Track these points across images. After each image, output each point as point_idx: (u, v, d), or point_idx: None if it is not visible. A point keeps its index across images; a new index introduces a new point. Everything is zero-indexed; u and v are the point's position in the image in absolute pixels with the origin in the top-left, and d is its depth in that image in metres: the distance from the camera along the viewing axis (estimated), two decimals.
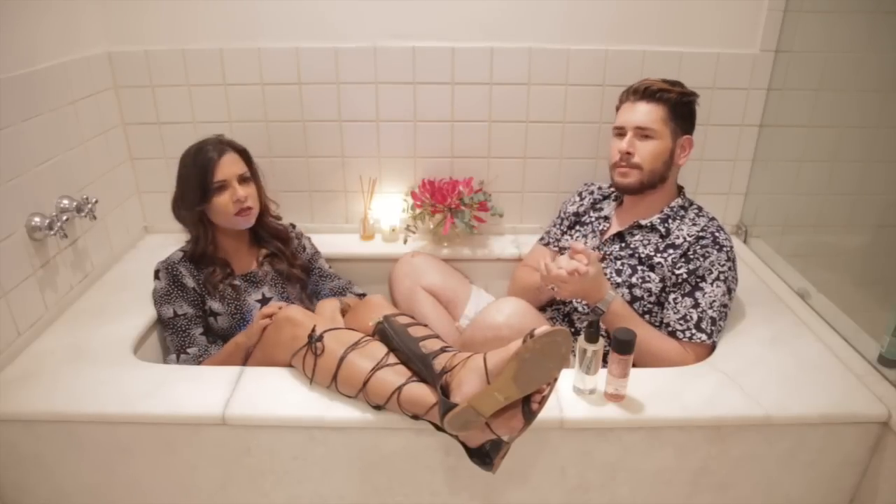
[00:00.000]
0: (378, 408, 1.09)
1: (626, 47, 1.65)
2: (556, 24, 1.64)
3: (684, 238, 1.33)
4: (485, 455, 1.02)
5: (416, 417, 1.06)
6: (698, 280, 1.29)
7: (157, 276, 1.40)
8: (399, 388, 1.05)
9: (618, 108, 1.41)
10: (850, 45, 1.51)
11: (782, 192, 1.73)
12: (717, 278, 1.29)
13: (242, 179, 1.39)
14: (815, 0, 1.56)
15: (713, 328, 1.27)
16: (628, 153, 1.35)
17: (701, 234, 1.33)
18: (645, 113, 1.33)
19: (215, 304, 1.40)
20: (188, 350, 1.36)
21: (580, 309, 1.41)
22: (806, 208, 1.67)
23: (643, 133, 1.34)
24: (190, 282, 1.39)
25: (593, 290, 1.26)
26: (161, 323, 1.40)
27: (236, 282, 1.43)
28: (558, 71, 1.67)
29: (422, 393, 1.05)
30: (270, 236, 1.52)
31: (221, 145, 1.39)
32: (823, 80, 1.59)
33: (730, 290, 1.30)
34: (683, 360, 1.26)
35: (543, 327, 0.92)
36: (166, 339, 1.39)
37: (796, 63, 1.63)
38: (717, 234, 1.33)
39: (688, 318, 1.28)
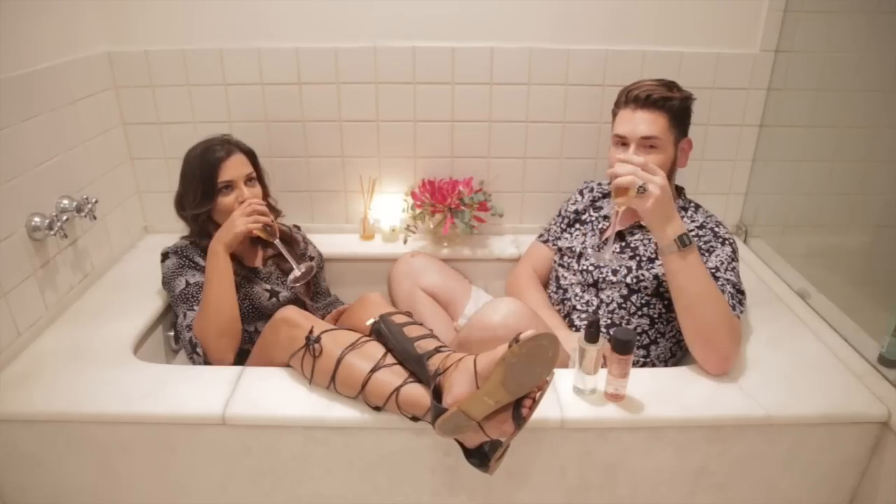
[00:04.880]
0: (377, 409, 1.09)
1: (626, 47, 1.65)
2: (556, 24, 1.64)
3: None
4: (483, 455, 1.02)
5: (415, 419, 1.06)
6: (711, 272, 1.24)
7: (165, 258, 1.40)
8: (397, 390, 1.05)
9: (615, 113, 1.39)
10: (850, 45, 1.51)
11: (782, 192, 1.72)
12: (728, 268, 1.25)
13: (248, 180, 1.39)
14: (815, 0, 1.56)
15: (739, 306, 1.22)
16: None
17: (700, 227, 1.33)
18: (649, 123, 1.29)
19: None
20: (195, 307, 1.33)
21: (580, 307, 1.41)
22: (806, 208, 1.67)
23: (648, 143, 1.30)
24: (201, 261, 1.38)
25: (670, 207, 1.12)
26: (174, 300, 1.36)
27: (242, 273, 1.41)
28: (558, 71, 1.67)
29: (419, 394, 1.05)
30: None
31: (229, 145, 1.39)
32: (823, 80, 1.59)
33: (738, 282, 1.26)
34: (731, 332, 1.15)
35: (529, 331, 0.91)
36: (178, 316, 1.35)
37: (796, 63, 1.63)
38: (716, 228, 1.32)
39: None
